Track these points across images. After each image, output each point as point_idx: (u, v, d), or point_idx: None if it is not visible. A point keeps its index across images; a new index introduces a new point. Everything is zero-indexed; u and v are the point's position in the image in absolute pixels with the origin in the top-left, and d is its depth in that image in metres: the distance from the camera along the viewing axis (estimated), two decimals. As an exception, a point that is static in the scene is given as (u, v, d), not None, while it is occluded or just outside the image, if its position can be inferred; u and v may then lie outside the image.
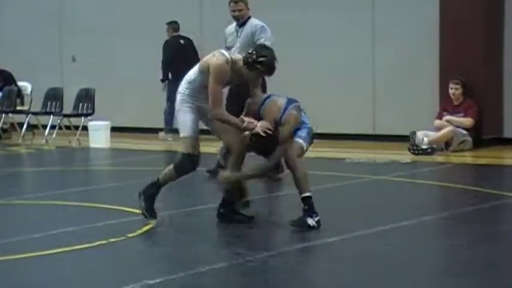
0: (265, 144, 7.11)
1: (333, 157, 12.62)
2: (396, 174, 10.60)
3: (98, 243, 6.71)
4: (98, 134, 14.34)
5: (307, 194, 7.16)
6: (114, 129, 14.88)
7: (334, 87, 14.79)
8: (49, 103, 15.50)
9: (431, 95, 13.71)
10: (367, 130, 14.66)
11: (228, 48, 10.44)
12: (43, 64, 17.23)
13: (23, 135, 15.52)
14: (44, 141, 14.87)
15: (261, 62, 7.10)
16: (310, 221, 7.05)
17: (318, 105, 13.41)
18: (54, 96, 15.57)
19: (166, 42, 15.10)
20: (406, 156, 12.32)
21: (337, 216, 7.89)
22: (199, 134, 7.41)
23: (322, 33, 14.80)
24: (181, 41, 15.04)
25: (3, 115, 15.79)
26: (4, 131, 15.86)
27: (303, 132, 7.29)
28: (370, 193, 9.71)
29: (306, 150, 7.32)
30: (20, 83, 16.34)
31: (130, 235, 6.98)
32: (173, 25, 15.15)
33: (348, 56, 14.62)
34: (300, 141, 7.25)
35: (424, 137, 12.71)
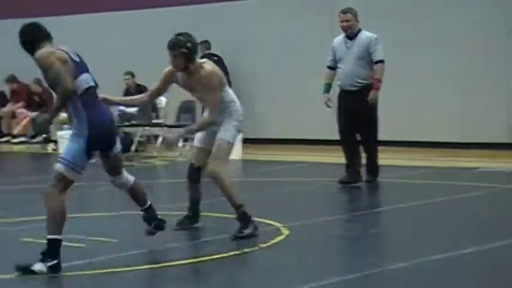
0: None
1: (466, 166, 12.35)
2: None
3: (232, 253, 6.74)
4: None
5: None
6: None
7: (466, 95, 14.54)
8: (182, 116, 15.74)
9: None
10: (503, 139, 14.27)
11: (336, 61, 10.44)
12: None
13: (158, 148, 15.79)
14: (177, 154, 15.08)
15: None
16: None
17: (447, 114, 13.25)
18: (187, 109, 15.82)
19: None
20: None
21: (469, 227, 7.71)
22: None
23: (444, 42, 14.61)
24: (215, 58, 15.13)
25: (140, 128, 16.10)
26: (140, 143, 16.18)
27: None
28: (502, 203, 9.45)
29: None
30: (155, 97, 16.61)
31: (262, 245, 6.99)
32: (205, 44, 15.33)
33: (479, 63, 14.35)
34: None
35: None
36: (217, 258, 6.61)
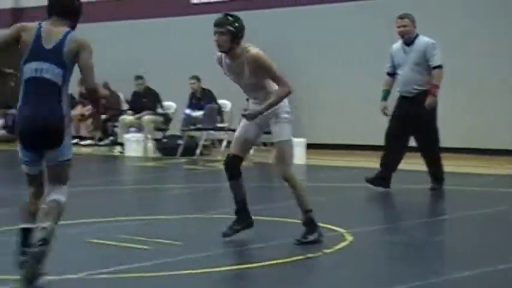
0: None
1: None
2: None
3: (294, 258, 6.71)
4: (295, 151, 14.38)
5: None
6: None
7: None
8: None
9: None
10: None
11: (395, 67, 10.35)
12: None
13: (223, 151, 15.84)
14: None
15: None
16: None
17: None
18: (252, 113, 15.83)
19: None
20: None
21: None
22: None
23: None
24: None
25: (204, 132, 16.18)
26: (204, 147, 16.26)
27: None
28: None
29: None
30: (220, 101, 16.73)
31: (326, 251, 6.94)
32: None
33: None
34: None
35: None
36: (280, 263, 6.58)
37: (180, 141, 16.07)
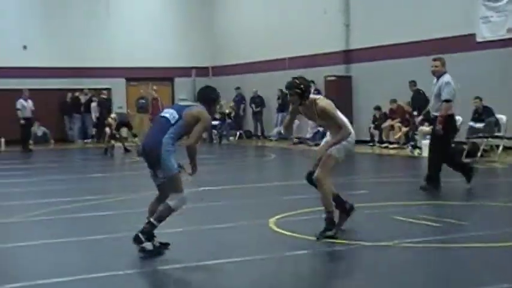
0: None
1: None
2: None
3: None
4: None
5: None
6: None
7: None
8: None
9: None
10: None
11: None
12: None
13: (499, 154, 15.21)
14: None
15: None
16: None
17: None
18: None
19: None
20: None
21: None
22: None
23: None
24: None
25: (485, 139, 15.64)
26: (485, 151, 15.71)
27: None
28: None
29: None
30: (497, 115, 16.01)
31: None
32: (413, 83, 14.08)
33: None
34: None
35: None
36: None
37: (464, 147, 15.65)
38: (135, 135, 18.82)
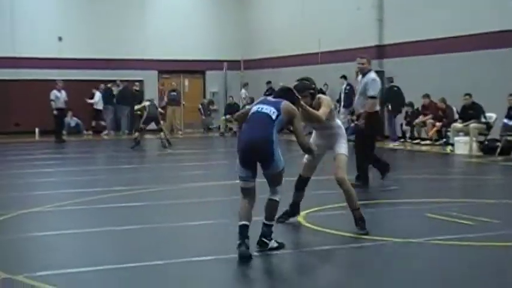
0: None
1: None
2: None
3: None
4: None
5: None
6: None
7: None
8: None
9: None
10: None
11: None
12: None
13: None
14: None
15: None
16: None
17: None
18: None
19: None
20: None
21: None
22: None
23: None
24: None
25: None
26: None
27: None
28: None
29: None
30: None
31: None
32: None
33: None
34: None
35: None
36: None
37: (498, 144, 15.41)
38: (161, 130, 18.79)
